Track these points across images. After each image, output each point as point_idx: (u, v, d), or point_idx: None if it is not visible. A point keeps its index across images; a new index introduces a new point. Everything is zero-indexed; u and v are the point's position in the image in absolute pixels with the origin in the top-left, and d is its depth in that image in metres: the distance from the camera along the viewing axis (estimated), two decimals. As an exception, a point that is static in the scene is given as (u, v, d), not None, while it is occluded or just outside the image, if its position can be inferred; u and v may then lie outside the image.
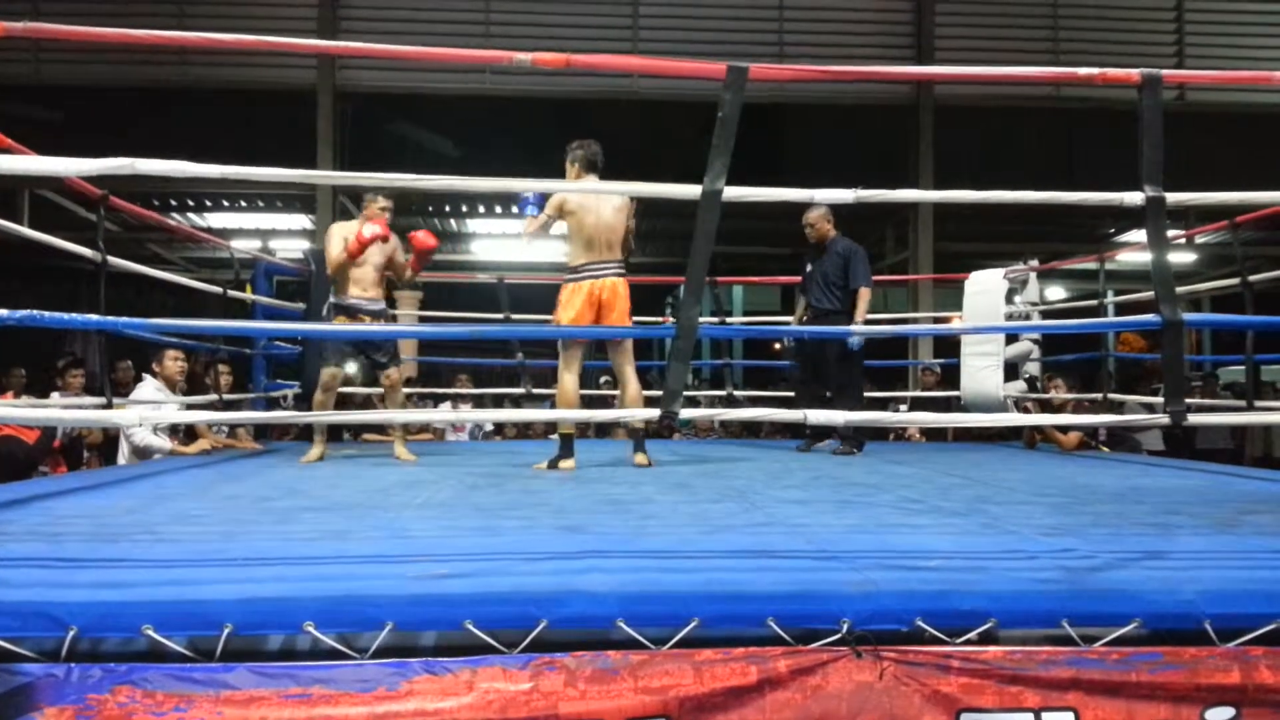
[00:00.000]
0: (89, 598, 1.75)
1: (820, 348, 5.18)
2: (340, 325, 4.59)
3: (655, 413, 2.44)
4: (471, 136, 9.59)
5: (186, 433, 5.26)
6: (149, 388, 5.04)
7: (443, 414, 6.45)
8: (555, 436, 4.53)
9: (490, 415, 6.66)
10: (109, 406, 3.97)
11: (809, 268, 5.38)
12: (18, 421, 4.57)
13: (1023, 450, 5.82)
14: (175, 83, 9.69)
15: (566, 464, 4.16)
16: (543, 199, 4.28)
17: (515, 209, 4.83)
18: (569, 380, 4.29)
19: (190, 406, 5.14)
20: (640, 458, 4.31)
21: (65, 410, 4.32)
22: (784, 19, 10.22)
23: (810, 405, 5.00)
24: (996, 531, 2.41)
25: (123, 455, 5.01)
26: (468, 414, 6.56)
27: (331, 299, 4.77)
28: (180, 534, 2.33)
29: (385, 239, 4.53)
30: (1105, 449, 5.81)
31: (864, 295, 5.11)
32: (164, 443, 4.94)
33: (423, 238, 4.73)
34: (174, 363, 5.11)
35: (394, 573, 1.88)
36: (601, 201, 4.27)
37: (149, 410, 4.64)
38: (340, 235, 4.59)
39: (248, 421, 5.32)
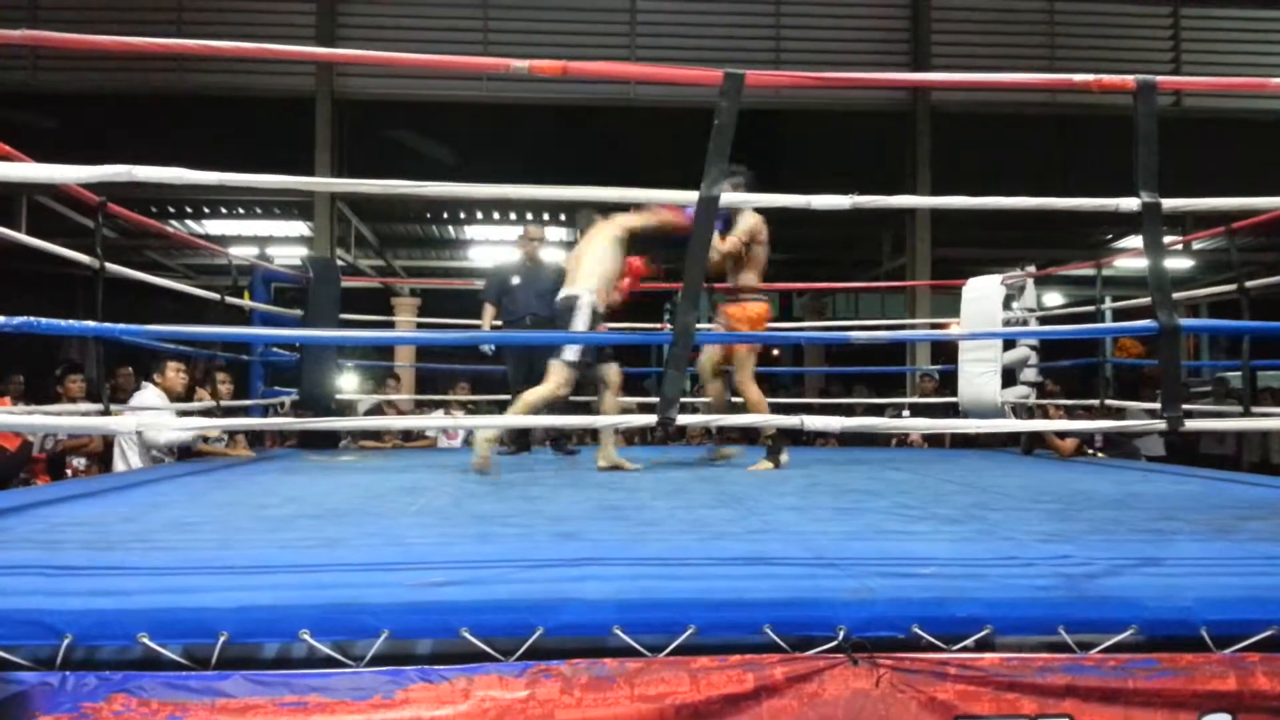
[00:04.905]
0: (84, 606, 1.75)
1: (547, 352, 5.05)
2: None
3: (651, 419, 2.44)
4: (470, 143, 9.61)
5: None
6: (150, 395, 5.04)
7: (445, 420, 6.43)
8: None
9: (480, 422, 6.63)
10: (107, 413, 3.97)
11: (516, 280, 5.75)
12: (15, 428, 4.55)
13: (1020, 456, 5.82)
14: (173, 90, 9.72)
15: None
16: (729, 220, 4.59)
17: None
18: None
19: (186, 413, 5.12)
20: (764, 464, 4.53)
21: (63, 418, 4.31)
22: (781, 26, 10.26)
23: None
24: (993, 538, 2.41)
25: (122, 462, 4.99)
26: (469, 420, 6.56)
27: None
28: (176, 542, 2.33)
29: None
30: (1101, 455, 5.81)
31: None
32: (178, 435, 4.99)
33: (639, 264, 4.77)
34: (175, 374, 5.13)
35: (390, 580, 1.88)
36: None
37: (147, 418, 4.63)
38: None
39: (244, 427, 5.34)
